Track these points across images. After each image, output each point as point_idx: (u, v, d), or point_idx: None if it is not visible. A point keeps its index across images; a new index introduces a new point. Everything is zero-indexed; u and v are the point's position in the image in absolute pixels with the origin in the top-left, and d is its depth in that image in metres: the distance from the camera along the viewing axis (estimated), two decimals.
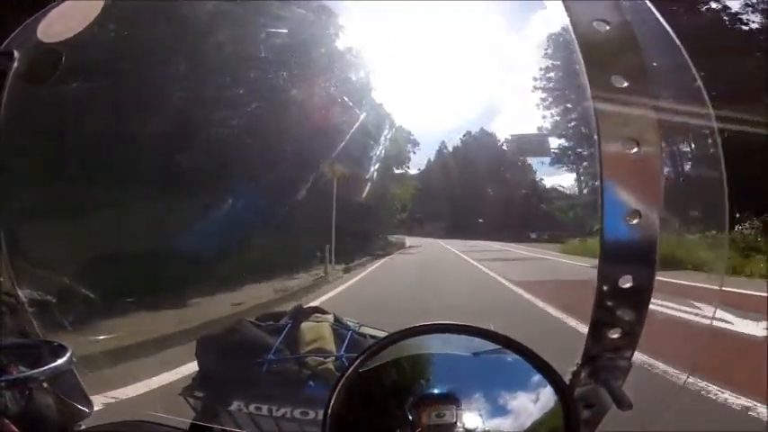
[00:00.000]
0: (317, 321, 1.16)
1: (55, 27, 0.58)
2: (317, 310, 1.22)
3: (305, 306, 1.26)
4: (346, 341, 1.10)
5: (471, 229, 10.92)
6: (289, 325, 1.14)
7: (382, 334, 0.78)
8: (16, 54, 0.59)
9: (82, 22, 0.58)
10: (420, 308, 4.02)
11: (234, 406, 0.96)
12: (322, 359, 1.05)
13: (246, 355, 1.06)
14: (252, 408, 0.95)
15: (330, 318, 1.19)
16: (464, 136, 11.54)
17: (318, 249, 5.48)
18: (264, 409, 0.95)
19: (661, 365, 2.07)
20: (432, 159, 11.12)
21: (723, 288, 0.53)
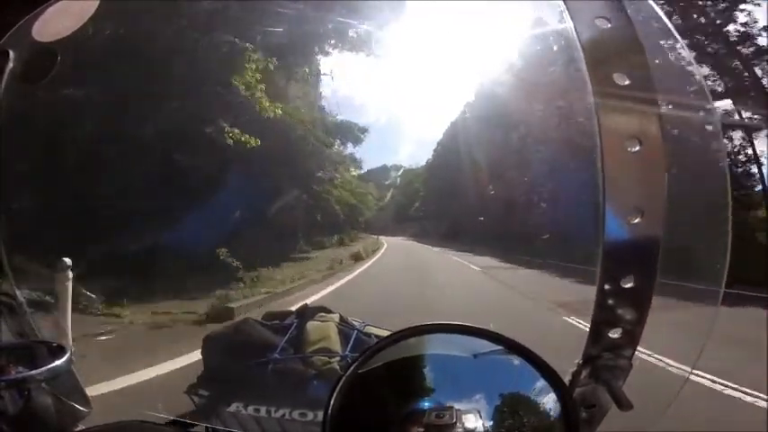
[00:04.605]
0: (323, 321, 1.16)
1: (50, 26, 0.58)
2: (322, 309, 1.21)
3: (310, 305, 1.26)
4: (351, 341, 1.10)
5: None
6: (294, 324, 1.14)
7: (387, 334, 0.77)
8: (11, 54, 0.58)
9: (76, 22, 0.57)
10: None
11: (238, 405, 0.96)
12: (327, 359, 1.04)
13: (252, 354, 1.06)
14: (255, 408, 0.95)
15: (335, 317, 1.18)
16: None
17: None
18: (268, 409, 0.95)
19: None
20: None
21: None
